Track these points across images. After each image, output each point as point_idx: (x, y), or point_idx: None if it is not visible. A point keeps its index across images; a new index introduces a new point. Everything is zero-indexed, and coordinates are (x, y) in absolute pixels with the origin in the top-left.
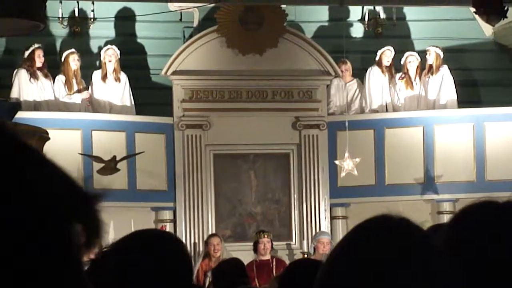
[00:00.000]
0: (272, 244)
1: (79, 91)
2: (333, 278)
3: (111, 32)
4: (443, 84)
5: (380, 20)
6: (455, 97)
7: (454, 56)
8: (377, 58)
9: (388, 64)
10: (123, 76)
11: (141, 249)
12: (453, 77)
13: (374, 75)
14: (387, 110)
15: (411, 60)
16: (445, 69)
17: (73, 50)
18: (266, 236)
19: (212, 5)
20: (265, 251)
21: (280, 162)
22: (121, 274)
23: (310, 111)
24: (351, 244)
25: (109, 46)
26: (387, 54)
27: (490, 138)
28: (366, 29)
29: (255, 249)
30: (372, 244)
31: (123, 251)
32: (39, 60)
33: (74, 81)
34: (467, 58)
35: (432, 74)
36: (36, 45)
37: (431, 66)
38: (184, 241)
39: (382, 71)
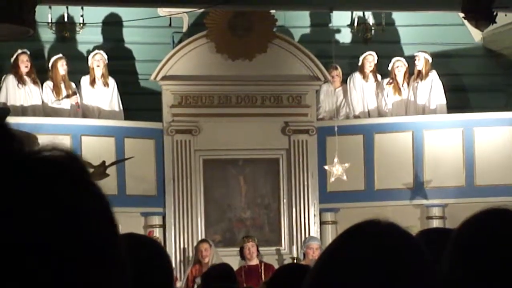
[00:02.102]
0: (257, 248)
1: (67, 96)
2: (321, 282)
3: (100, 38)
4: (432, 89)
5: (369, 26)
6: (445, 102)
7: (443, 62)
8: (359, 63)
9: (370, 69)
10: (111, 81)
11: None
12: (442, 83)
13: (356, 81)
14: (369, 116)
15: (399, 65)
16: (434, 74)
17: (61, 55)
18: (250, 240)
19: (202, 10)
20: (251, 255)
21: (269, 167)
22: None
23: (299, 116)
24: (339, 249)
25: (96, 51)
26: (369, 59)
27: (480, 143)
28: (355, 34)
29: (242, 255)
30: (360, 249)
31: None
32: (23, 65)
33: (62, 86)
34: (456, 64)
35: (421, 79)
36: (20, 51)
37: (420, 71)
38: (173, 246)
39: (364, 77)
